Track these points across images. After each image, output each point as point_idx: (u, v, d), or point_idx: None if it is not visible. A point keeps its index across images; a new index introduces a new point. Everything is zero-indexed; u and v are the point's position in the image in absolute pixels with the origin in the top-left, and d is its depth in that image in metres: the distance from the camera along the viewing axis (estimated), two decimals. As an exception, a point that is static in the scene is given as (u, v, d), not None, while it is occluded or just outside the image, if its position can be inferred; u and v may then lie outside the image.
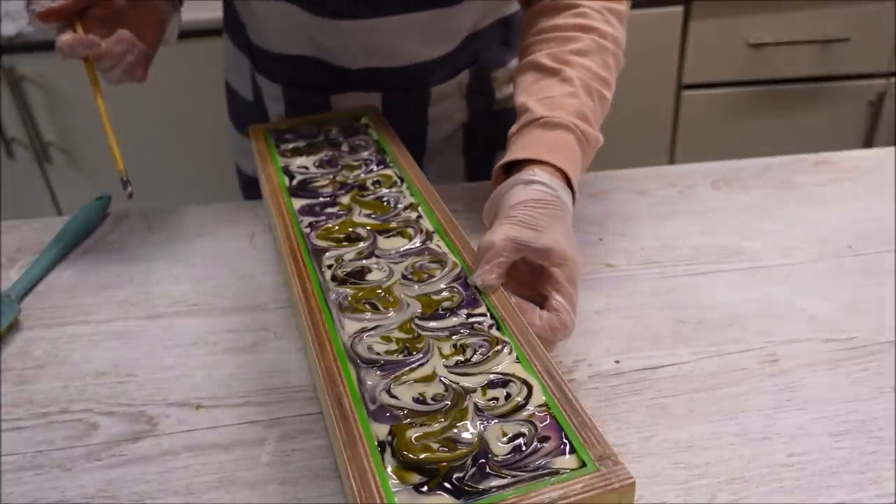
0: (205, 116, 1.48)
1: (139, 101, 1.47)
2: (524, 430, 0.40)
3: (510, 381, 0.43)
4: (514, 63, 0.85)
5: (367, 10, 0.71)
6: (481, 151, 0.88)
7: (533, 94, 0.62)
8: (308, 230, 0.58)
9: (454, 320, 0.48)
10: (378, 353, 0.45)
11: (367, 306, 0.49)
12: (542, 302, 0.52)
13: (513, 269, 0.53)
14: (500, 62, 0.84)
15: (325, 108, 0.80)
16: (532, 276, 0.53)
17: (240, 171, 0.95)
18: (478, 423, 0.40)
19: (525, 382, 0.43)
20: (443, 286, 0.51)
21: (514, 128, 0.62)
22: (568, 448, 0.38)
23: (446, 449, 0.39)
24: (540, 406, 0.41)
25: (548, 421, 0.40)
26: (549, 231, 0.52)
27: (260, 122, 0.83)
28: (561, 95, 0.61)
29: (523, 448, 0.39)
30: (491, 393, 0.42)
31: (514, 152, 0.59)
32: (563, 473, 0.37)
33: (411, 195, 0.61)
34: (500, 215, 0.54)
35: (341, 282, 0.52)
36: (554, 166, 0.57)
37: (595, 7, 0.66)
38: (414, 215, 0.59)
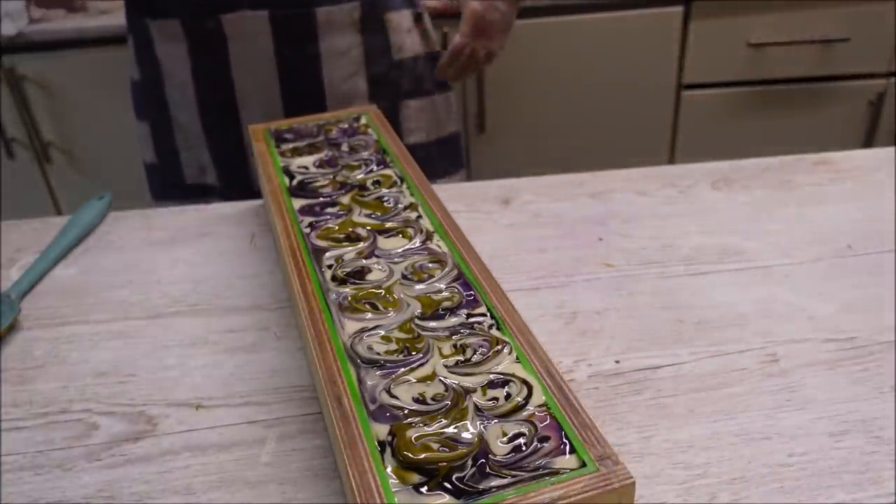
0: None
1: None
2: (524, 430, 0.40)
3: (510, 381, 0.43)
4: (406, 11, 0.94)
5: None
6: (388, 101, 0.94)
7: None
8: (308, 230, 0.58)
9: (454, 320, 0.48)
10: (378, 353, 0.45)
11: (367, 306, 0.49)
12: None
13: None
14: (392, 5, 0.92)
15: (219, 35, 0.86)
16: None
17: (143, 164, 1.01)
18: (478, 423, 0.40)
19: (525, 382, 0.43)
20: (443, 286, 0.51)
21: None
22: (568, 448, 0.38)
23: (446, 449, 0.39)
24: (540, 406, 0.41)
25: (548, 421, 0.40)
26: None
27: (153, 91, 0.91)
28: None
29: (523, 448, 0.39)
30: (491, 393, 0.42)
31: None
32: (563, 473, 0.37)
33: (411, 195, 0.61)
34: None
35: (341, 282, 0.52)
36: None
37: None
38: (414, 215, 0.59)
